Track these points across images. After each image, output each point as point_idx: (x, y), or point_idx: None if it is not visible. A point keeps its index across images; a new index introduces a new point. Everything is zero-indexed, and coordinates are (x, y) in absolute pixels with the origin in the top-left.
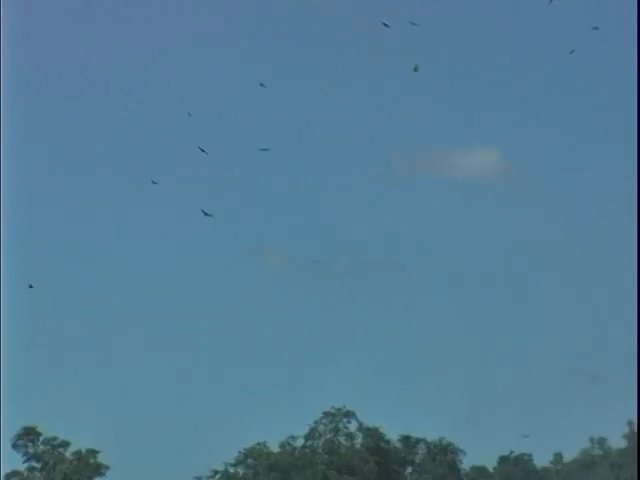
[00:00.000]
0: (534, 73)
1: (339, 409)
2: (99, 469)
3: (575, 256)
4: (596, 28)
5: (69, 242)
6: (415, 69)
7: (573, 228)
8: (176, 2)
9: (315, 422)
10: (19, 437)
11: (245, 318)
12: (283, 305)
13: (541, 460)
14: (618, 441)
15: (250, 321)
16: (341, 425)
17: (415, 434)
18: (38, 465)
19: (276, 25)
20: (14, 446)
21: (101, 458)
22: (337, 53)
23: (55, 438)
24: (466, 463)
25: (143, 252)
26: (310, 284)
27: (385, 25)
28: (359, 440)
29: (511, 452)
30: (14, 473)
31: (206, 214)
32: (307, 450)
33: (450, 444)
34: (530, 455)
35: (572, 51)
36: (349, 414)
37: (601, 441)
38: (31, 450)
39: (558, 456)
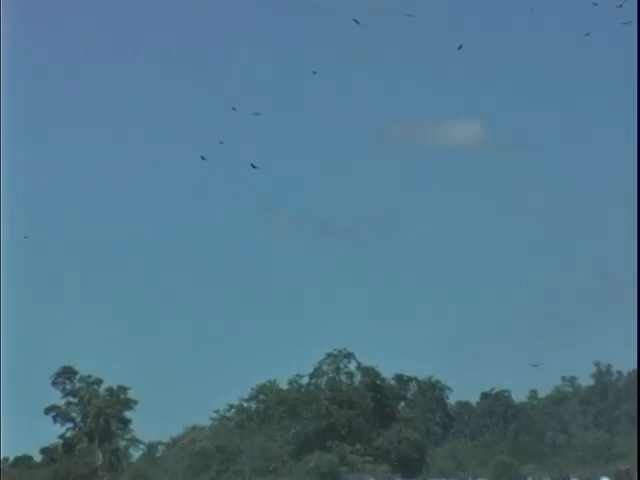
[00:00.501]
0: (512, 51)
1: (340, 351)
2: (128, 403)
3: (549, 212)
4: None
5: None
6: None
7: (547, 185)
8: None
9: (319, 362)
10: (58, 375)
11: (258, 270)
12: (292, 258)
13: (518, 396)
14: (587, 379)
15: (263, 273)
16: (342, 365)
17: (407, 373)
18: (75, 400)
19: None
20: (53, 383)
21: (130, 394)
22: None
23: (90, 376)
24: (452, 398)
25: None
26: (315, 240)
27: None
28: (358, 378)
29: (492, 389)
30: (53, 407)
31: (254, 166)
32: (312, 387)
33: (438, 382)
34: (509, 391)
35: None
36: (349, 355)
37: (572, 380)
38: (68, 387)
39: (533, 392)
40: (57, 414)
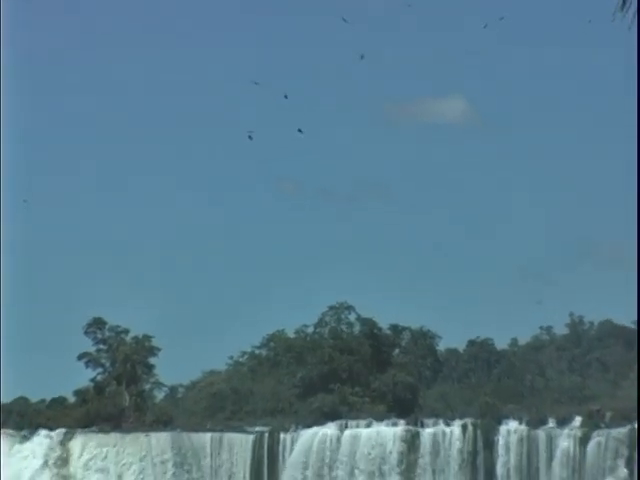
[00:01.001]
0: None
1: (341, 304)
2: (152, 350)
3: (529, 174)
4: None
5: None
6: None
7: (527, 158)
8: None
9: (322, 314)
10: (89, 326)
11: (266, 231)
12: (297, 222)
13: (500, 344)
14: (562, 329)
15: (270, 233)
16: (343, 316)
17: (401, 323)
18: (104, 347)
19: None
20: (85, 333)
21: (154, 342)
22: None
23: (118, 326)
24: (441, 346)
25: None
26: (317, 206)
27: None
28: (357, 328)
29: (477, 337)
30: (85, 354)
31: (250, 137)
32: (316, 336)
33: (429, 331)
34: (492, 339)
35: None
36: (349, 308)
37: (548, 329)
38: (99, 336)
39: (514, 340)
40: (89, 360)
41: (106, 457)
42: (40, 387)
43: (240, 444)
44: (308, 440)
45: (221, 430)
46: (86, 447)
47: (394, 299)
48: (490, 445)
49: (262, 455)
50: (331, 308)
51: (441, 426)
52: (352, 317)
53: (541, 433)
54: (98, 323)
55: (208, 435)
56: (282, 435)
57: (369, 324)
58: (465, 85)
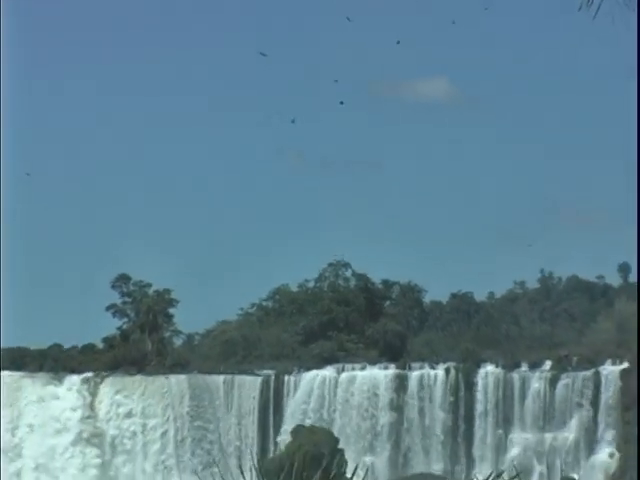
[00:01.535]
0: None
1: (339, 261)
2: (172, 302)
3: (504, 146)
4: None
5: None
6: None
7: (505, 133)
8: None
9: (322, 270)
10: (116, 280)
11: (273, 197)
12: (300, 189)
13: (479, 296)
14: (534, 283)
15: (277, 199)
16: (340, 272)
17: (392, 279)
18: (129, 300)
19: None
20: (112, 287)
21: (173, 294)
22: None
23: (141, 281)
24: (427, 298)
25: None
26: (317, 174)
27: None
28: (353, 282)
29: (459, 290)
30: (112, 306)
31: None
32: (316, 289)
33: (416, 285)
34: (472, 293)
35: None
36: (346, 265)
37: (522, 283)
38: (124, 290)
39: (491, 294)
40: (115, 311)
41: (131, 397)
42: (72, 335)
43: (249, 385)
44: (309, 381)
45: (232, 373)
46: (113, 388)
47: (386, 257)
48: (470, 386)
49: (269, 395)
50: (330, 265)
51: (427, 369)
52: (348, 273)
53: (515, 375)
54: (124, 278)
55: (221, 377)
56: (286, 377)
57: (363, 279)
58: (448, 67)
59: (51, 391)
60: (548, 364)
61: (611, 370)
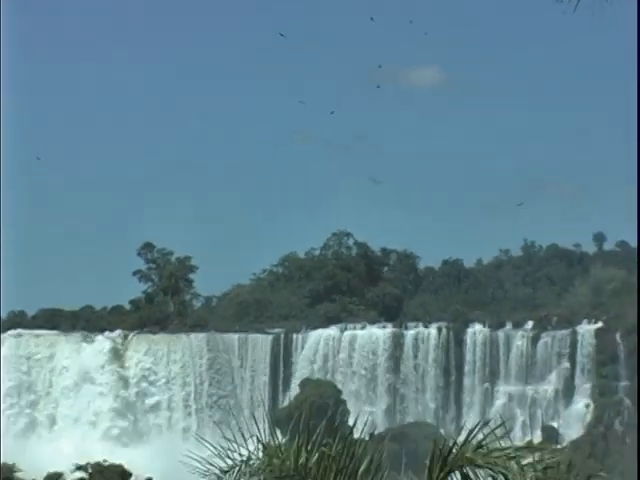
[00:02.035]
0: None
1: (342, 231)
2: (191, 268)
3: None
4: None
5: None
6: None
7: (493, 119)
8: None
9: (327, 239)
10: (142, 248)
11: (282, 173)
12: (307, 166)
13: (468, 263)
14: (517, 251)
15: (285, 175)
16: (343, 241)
17: (389, 247)
18: (154, 266)
19: None
20: (138, 254)
21: (193, 261)
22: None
23: (164, 249)
24: (421, 264)
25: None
26: (322, 153)
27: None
28: (354, 251)
29: (450, 257)
30: (138, 271)
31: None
32: (322, 257)
33: (412, 252)
34: (462, 259)
35: None
36: (348, 234)
37: (506, 251)
38: (149, 257)
39: (479, 260)
40: (141, 276)
41: (155, 353)
42: (102, 297)
43: (261, 343)
44: (315, 339)
45: (246, 331)
46: (139, 345)
47: (384, 228)
48: (460, 343)
49: (279, 351)
50: (334, 234)
51: (421, 328)
52: (350, 242)
53: (500, 334)
54: (148, 247)
55: (236, 335)
56: (294, 335)
57: (364, 247)
58: (439, 57)
59: (84, 348)
60: (530, 324)
61: (587, 329)
